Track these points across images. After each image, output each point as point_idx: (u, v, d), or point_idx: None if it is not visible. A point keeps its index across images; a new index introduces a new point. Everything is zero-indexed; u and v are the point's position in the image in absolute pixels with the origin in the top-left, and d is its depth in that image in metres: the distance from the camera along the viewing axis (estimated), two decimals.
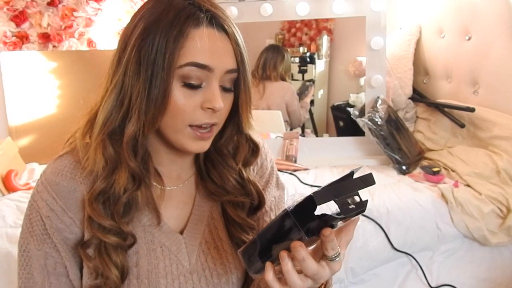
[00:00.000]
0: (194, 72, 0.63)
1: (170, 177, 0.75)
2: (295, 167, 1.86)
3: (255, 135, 0.79)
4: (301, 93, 2.23)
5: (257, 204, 0.77)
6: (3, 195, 1.64)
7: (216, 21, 0.64)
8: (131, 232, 0.68)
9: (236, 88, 0.69)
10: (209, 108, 0.65)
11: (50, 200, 0.67)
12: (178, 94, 0.64)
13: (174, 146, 0.69)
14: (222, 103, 0.65)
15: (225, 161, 0.76)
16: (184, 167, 0.78)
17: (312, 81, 2.24)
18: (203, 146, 0.69)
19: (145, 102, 0.63)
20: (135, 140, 0.67)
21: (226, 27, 0.65)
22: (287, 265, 0.55)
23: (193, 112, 0.65)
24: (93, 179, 0.68)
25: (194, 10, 0.63)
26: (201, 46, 0.63)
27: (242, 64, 0.67)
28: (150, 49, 0.62)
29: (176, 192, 0.76)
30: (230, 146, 0.77)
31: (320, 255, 0.57)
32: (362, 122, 1.87)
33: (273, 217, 0.80)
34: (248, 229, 0.75)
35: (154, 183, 0.73)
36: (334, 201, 0.52)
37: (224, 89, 0.67)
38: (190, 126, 0.66)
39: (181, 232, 0.74)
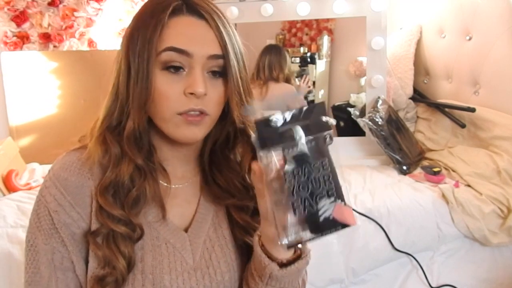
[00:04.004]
0: (173, 57, 0.65)
1: (175, 175, 0.76)
2: None
3: None
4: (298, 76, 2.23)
5: None
6: (4, 195, 1.64)
7: (194, 9, 0.66)
8: (139, 224, 0.69)
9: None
10: (191, 94, 0.65)
11: (58, 195, 0.68)
12: (161, 80, 0.65)
13: (172, 140, 0.70)
14: (205, 88, 0.65)
15: (230, 166, 0.77)
16: (188, 165, 0.78)
17: (305, 67, 2.22)
18: (195, 132, 0.68)
19: (134, 93, 0.66)
20: (138, 134, 0.68)
21: (205, 14, 0.66)
22: None
23: (178, 98, 0.66)
24: (101, 172, 0.69)
25: (173, 0, 0.66)
26: (179, 32, 0.65)
27: (226, 51, 0.67)
28: (136, 42, 0.66)
29: (181, 190, 0.77)
30: (236, 151, 0.77)
31: None
32: (362, 122, 1.87)
33: None
34: (252, 232, 0.76)
35: (160, 181, 0.74)
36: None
37: (213, 75, 0.68)
38: (180, 114, 0.67)
39: (186, 230, 0.75)
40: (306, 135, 0.55)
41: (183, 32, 0.65)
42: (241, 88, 0.69)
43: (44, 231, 0.68)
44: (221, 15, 0.68)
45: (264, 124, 0.55)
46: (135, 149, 0.68)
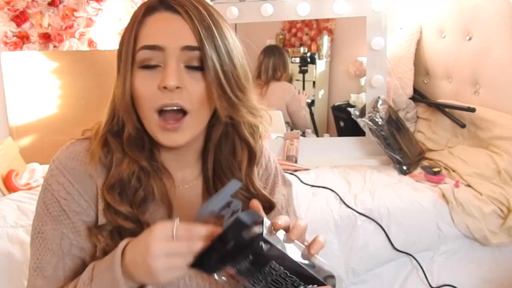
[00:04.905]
0: (147, 54, 0.65)
1: (176, 178, 0.76)
2: (296, 167, 1.86)
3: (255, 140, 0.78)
4: None
5: (267, 208, 0.77)
6: (4, 195, 1.64)
7: (168, 5, 0.66)
8: (147, 222, 0.69)
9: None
10: (165, 88, 0.64)
11: (67, 183, 0.68)
12: (138, 78, 0.66)
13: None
14: (176, 80, 0.64)
15: (234, 174, 0.76)
16: (187, 168, 0.78)
17: (305, 67, 2.23)
18: (174, 138, 0.67)
19: (119, 95, 0.67)
20: (136, 136, 0.69)
21: (178, 8, 0.66)
22: None
23: (153, 94, 0.65)
24: (105, 171, 0.70)
25: (152, 0, 0.67)
26: (152, 29, 0.66)
27: (202, 42, 0.65)
28: (121, 44, 0.68)
29: (182, 192, 0.77)
30: (235, 154, 0.76)
31: None
32: (362, 122, 1.87)
33: (284, 214, 0.80)
34: None
35: (165, 181, 0.74)
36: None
37: (189, 68, 0.66)
38: (159, 113, 0.66)
39: None
40: (237, 254, 0.55)
41: (155, 28, 0.66)
42: (224, 82, 0.66)
43: (53, 217, 0.68)
44: (201, 8, 0.66)
45: (209, 250, 0.56)
46: (136, 151, 0.69)
